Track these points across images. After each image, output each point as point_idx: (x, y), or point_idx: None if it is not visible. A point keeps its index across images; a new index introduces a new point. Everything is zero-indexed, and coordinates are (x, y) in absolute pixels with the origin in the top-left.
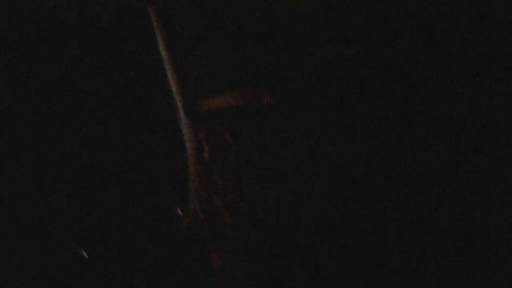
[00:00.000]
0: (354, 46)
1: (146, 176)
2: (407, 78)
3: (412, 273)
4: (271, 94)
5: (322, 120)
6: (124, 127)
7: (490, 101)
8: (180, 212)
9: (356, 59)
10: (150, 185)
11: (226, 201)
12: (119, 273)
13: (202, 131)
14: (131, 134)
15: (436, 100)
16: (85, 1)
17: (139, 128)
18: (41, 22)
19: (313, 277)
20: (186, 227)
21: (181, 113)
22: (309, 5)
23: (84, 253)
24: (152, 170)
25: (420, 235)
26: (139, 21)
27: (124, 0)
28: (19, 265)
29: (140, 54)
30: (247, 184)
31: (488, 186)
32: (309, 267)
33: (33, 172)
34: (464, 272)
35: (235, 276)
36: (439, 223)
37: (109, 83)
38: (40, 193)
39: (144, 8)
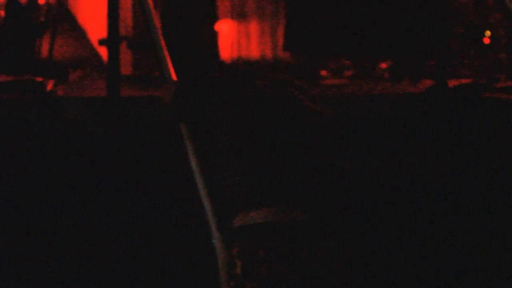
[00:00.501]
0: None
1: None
2: None
3: None
4: (301, 210)
5: (353, 237)
6: (157, 239)
7: None
8: None
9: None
10: None
11: None
12: None
13: (234, 247)
14: (164, 245)
15: None
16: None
17: (171, 242)
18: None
19: None
20: None
21: (214, 229)
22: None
23: None
24: (185, 283)
25: None
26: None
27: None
28: None
29: (172, 168)
30: None
31: None
32: None
33: None
34: None
35: None
36: None
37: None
38: None
39: (176, 125)
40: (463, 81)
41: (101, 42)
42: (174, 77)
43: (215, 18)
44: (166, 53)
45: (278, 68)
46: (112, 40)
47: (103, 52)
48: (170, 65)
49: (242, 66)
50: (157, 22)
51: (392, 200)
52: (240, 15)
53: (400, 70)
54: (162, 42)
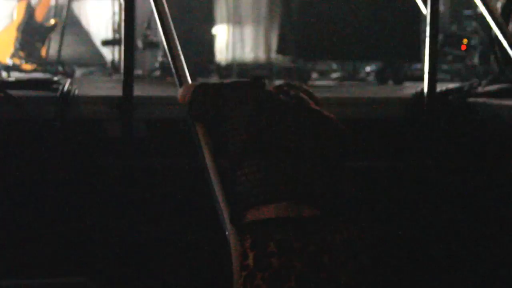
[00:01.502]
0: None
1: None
2: None
3: None
4: (312, 206)
5: (359, 231)
6: (172, 232)
7: None
8: None
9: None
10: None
11: None
12: None
13: (247, 239)
14: (179, 241)
15: None
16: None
17: (186, 234)
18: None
19: None
20: None
21: (227, 222)
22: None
23: None
24: (198, 273)
25: None
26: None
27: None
28: None
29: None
30: None
31: None
32: None
33: None
34: None
35: None
36: None
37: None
38: None
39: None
40: (449, 85)
41: (104, 43)
42: (188, 79)
43: (212, 22)
44: (181, 55)
45: (272, 70)
46: (127, 41)
47: (105, 51)
48: (185, 66)
49: (236, 67)
50: (171, 24)
51: (394, 196)
52: (236, 20)
53: (384, 73)
54: (177, 44)
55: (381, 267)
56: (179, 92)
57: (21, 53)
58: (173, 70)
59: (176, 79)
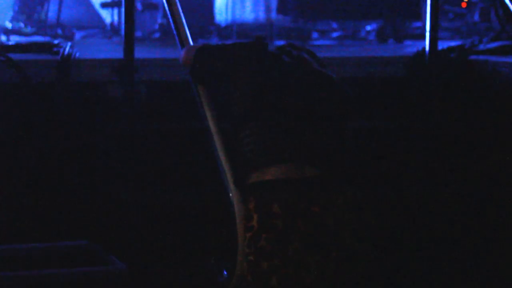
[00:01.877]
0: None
1: (196, 240)
2: None
3: None
4: (313, 167)
5: (362, 191)
6: (175, 195)
7: None
8: (226, 274)
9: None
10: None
11: (272, 265)
12: None
13: (250, 201)
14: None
15: None
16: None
17: (190, 196)
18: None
19: None
20: None
21: (231, 184)
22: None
23: None
24: (202, 236)
25: None
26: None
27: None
28: None
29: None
30: (292, 249)
31: None
32: None
33: None
34: None
35: None
36: None
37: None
38: None
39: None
40: (450, 44)
41: (104, 5)
42: (190, 40)
43: None
44: (182, 16)
45: (272, 30)
46: (127, 2)
47: (105, 14)
48: (186, 28)
49: (236, 28)
50: None
51: (397, 155)
52: None
53: (384, 32)
54: (178, 6)
55: (385, 227)
56: (181, 54)
57: (20, 17)
58: (174, 32)
59: (177, 41)
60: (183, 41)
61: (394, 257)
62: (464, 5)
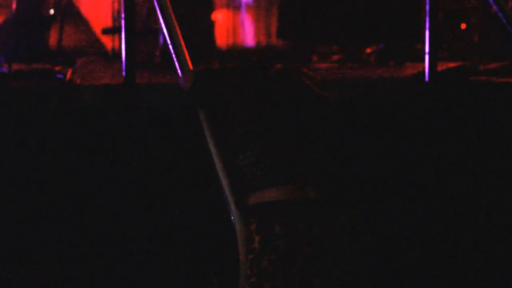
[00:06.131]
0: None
1: (199, 262)
2: None
3: None
4: (314, 188)
5: (363, 212)
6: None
7: None
8: None
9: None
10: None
11: (275, 286)
12: None
13: (252, 222)
14: (183, 223)
15: None
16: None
17: (191, 216)
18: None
19: None
20: None
21: (232, 206)
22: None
23: None
24: (204, 258)
25: None
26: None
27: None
28: None
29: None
30: (295, 270)
31: None
32: None
33: None
34: None
35: None
36: None
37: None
38: None
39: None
40: (450, 64)
41: (104, 31)
42: (190, 65)
43: (212, 8)
44: (182, 41)
45: (273, 54)
46: (127, 28)
47: (105, 40)
48: (186, 53)
49: (237, 53)
50: (171, 10)
51: (397, 176)
52: (236, 5)
53: (385, 55)
54: (178, 31)
55: (386, 248)
56: (182, 78)
57: (22, 44)
58: (174, 56)
59: (177, 66)
60: (183, 66)
61: (395, 277)
62: (463, 26)
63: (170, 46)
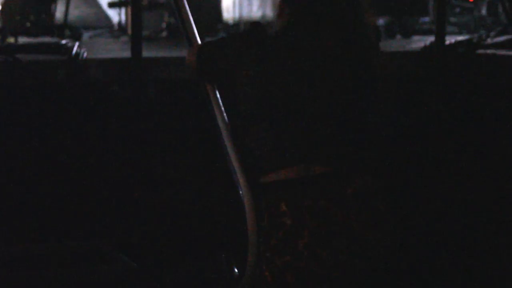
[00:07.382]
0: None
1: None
2: None
3: None
4: (324, 165)
5: (372, 180)
6: (184, 193)
7: None
8: (237, 271)
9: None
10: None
11: (285, 261)
12: None
13: (261, 202)
14: (192, 202)
15: None
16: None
17: (199, 194)
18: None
19: None
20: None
21: (242, 184)
22: None
23: None
24: (213, 235)
25: None
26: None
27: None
28: None
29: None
30: (302, 244)
31: None
32: None
33: None
34: None
35: None
36: None
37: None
38: None
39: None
40: (458, 38)
41: (111, 5)
42: (198, 39)
43: None
44: (190, 15)
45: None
46: (135, 2)
47: (112, 13)
48: (194, 27)
49: (244, 26)
50: None
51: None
52: None
53: (393, 28)
54: (186, 5)
55: (396, 214)
56: (188, 52)
57: (29, 17)
58: (182, 30)
59: (185, 40)
60: (192, 40)
61: (403, 245)
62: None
63: (179, 20)
